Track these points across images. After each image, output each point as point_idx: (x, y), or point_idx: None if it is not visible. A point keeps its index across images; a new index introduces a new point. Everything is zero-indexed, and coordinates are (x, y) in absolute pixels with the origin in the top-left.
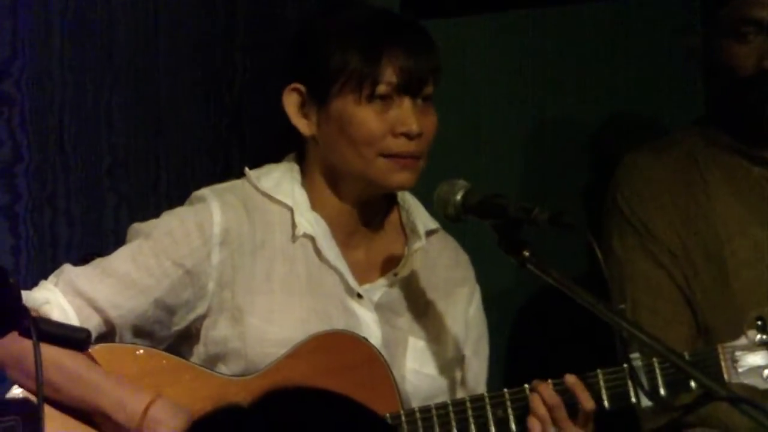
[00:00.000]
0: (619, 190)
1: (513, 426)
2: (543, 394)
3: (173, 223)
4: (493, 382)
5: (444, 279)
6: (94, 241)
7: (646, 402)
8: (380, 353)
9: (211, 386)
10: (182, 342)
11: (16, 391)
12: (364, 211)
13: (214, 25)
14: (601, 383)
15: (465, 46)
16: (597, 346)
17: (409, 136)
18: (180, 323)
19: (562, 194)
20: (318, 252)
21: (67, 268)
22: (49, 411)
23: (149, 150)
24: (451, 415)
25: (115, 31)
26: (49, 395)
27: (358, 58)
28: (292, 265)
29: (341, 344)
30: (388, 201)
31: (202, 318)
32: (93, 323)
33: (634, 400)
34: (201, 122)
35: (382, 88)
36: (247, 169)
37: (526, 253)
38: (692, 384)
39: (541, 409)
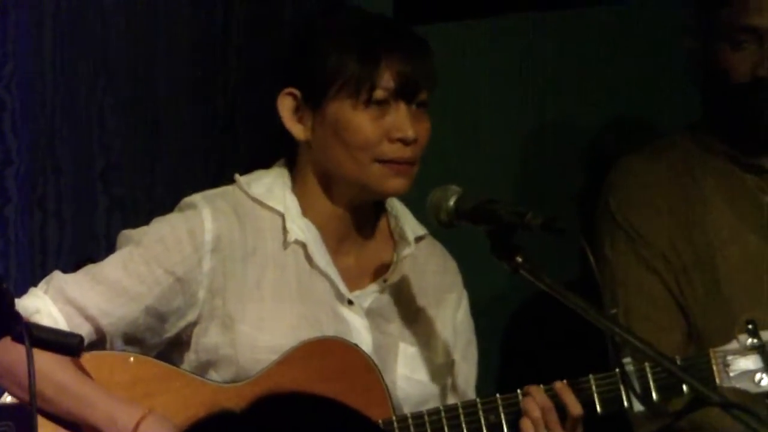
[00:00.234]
0: (612, 194)
1: (506, 431)
2: (536, 397)
3: (164, 230)
4: (485, 387)
5: (433, 285)
6: (86, 245)
7: (638, 407)
8: (371, 359)
9: (203, 393)
10: (173, 349)
11: (9, 398)
12: (355, 217)
13: (209, 27)
14: (594, 388)
15: (465, 49)
16: (589, 351)
17: (405, 141)
18: (171, 330)
19: (561, 198)
20: (309, 258)
21: (57, 276)
22: (41, 418)
23: (142, 153)
24: (444, 420)
25: (108, 32)
26: (39, 406)
27: (356, 63)
28: (283, 272)
29: (332, 351)
30: (377, 207)
31: (193, 325)
32: (84, 331)
33: (626, 404)
34: (195, 125)
35: (379, 93)
36: (237, 175)
37: (519, 259)
38: (684, 388)
39: (535, 412)
